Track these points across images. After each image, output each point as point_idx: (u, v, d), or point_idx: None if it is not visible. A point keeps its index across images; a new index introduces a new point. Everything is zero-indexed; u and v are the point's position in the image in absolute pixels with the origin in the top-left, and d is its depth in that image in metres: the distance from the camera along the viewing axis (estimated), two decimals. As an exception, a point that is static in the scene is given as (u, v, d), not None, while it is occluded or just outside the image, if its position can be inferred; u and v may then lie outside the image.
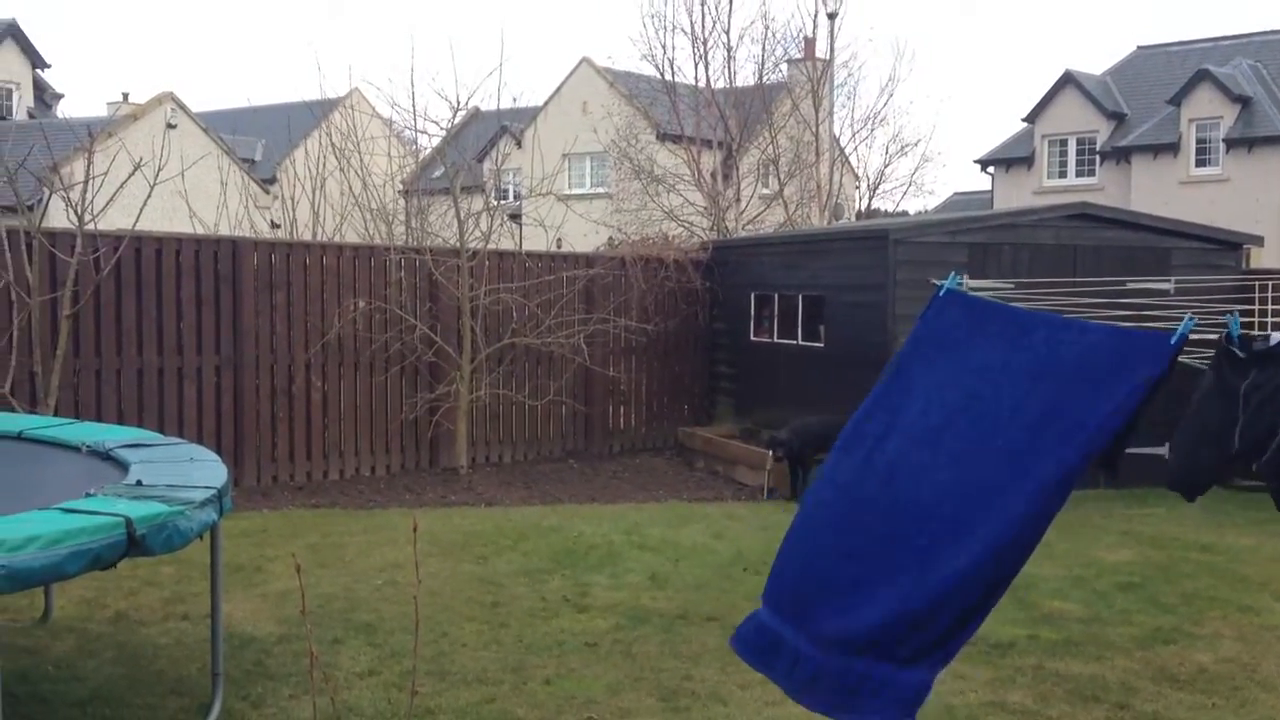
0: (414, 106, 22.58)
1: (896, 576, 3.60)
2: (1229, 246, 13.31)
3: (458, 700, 5.84)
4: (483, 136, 30.30)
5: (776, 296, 14.19)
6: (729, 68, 25.15)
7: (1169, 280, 12.27)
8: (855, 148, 29.70)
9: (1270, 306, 12.48)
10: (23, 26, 36.22)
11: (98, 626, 6.98)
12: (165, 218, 14.09)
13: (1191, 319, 3.48)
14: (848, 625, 3.66)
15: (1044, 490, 3.43)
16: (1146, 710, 5.92)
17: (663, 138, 29.12)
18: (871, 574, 3.66)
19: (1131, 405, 3.39)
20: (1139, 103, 33.40)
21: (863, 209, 31.64)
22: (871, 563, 3.69)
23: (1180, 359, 3.42)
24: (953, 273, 4.16)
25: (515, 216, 20.96)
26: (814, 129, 24.88)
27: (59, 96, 38.95)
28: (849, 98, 38.91)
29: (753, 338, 14.67)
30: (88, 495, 4.81)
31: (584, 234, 24.30)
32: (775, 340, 14.18)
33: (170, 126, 26.02)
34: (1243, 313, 11.94)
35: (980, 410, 3.72)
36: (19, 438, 6.69)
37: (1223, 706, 5.99)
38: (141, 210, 11.20)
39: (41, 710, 5.56)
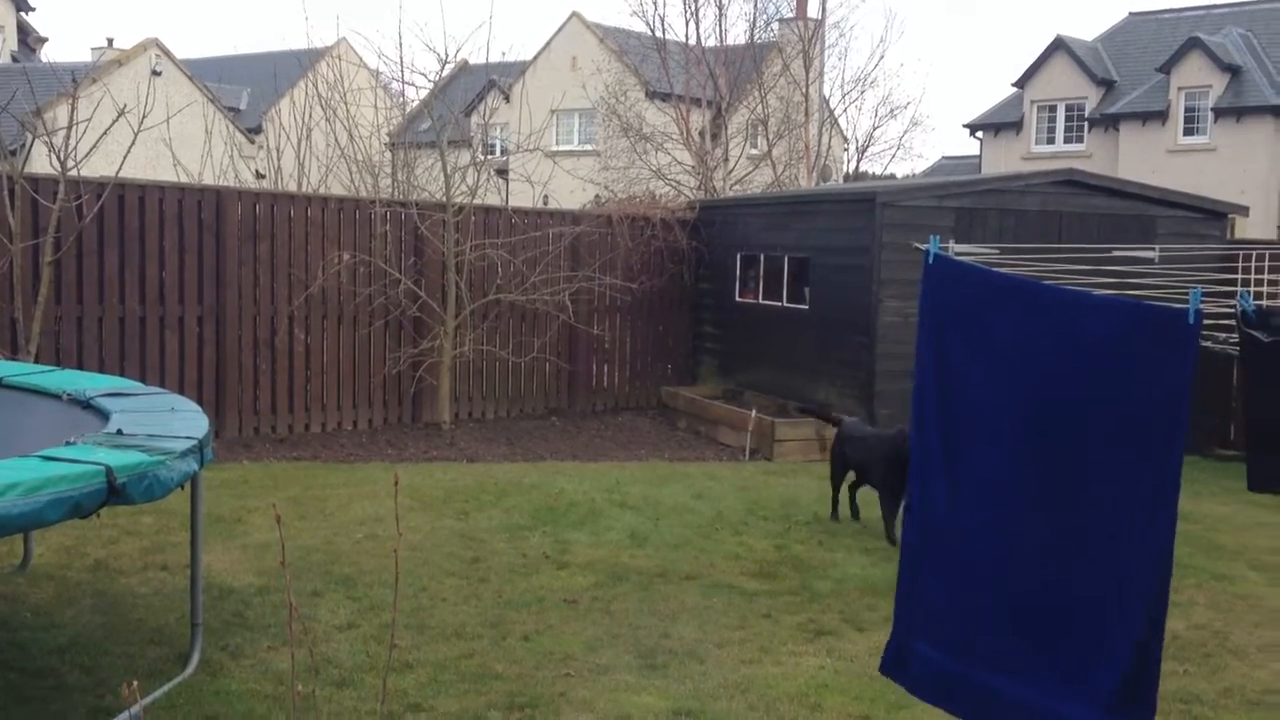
0: (401, 58, 22.46)
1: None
2: (1214, 216, 13.36)
3: (436, 654, 5.87)
4: (470, 90, 29.98)
5: (762, 257, 14.17)
6: (720, 25, 25.04)
7: (1153, 248, 12.31)
8: (845, 109, 29.73)
9: (1253, 277, 12.54)
10: (6, -32, 35.78)
11: (77, 574, 6.98)
12: (149, 165, 13.99)
13: (1198, 291, 3.44)
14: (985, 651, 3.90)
15: (1152, 509, 3.46)
16: (1118, 675, 5.98)
17: (652, 95, 28.95)
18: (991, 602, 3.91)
19: (1182, 403, 3.39)
20: (1129, 70, 33.29)
21: (850, 171, 31.60)
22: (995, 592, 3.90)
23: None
24: (933, 236, 4.16)
25: (502, 172, 20.86)
26: (804, 89, 24.76)
27: (43, 40, 38.59)
28: (839, 59, 38.86)
29: (738, 298, 14.65)
30: (68, 443, 4.80)
31: (571, 191, 24.21)
32: (760, 301, 14.17)
33: (155, 73, 25.80)
34: (1223, 283, 12.04)
35: (1027, 402, 3.76)
36: (-1, 385, 6.66)
37: (1194, 673, 6.05)
38: (125, 157, 11.10)
39: (19, 657, 5.57)
